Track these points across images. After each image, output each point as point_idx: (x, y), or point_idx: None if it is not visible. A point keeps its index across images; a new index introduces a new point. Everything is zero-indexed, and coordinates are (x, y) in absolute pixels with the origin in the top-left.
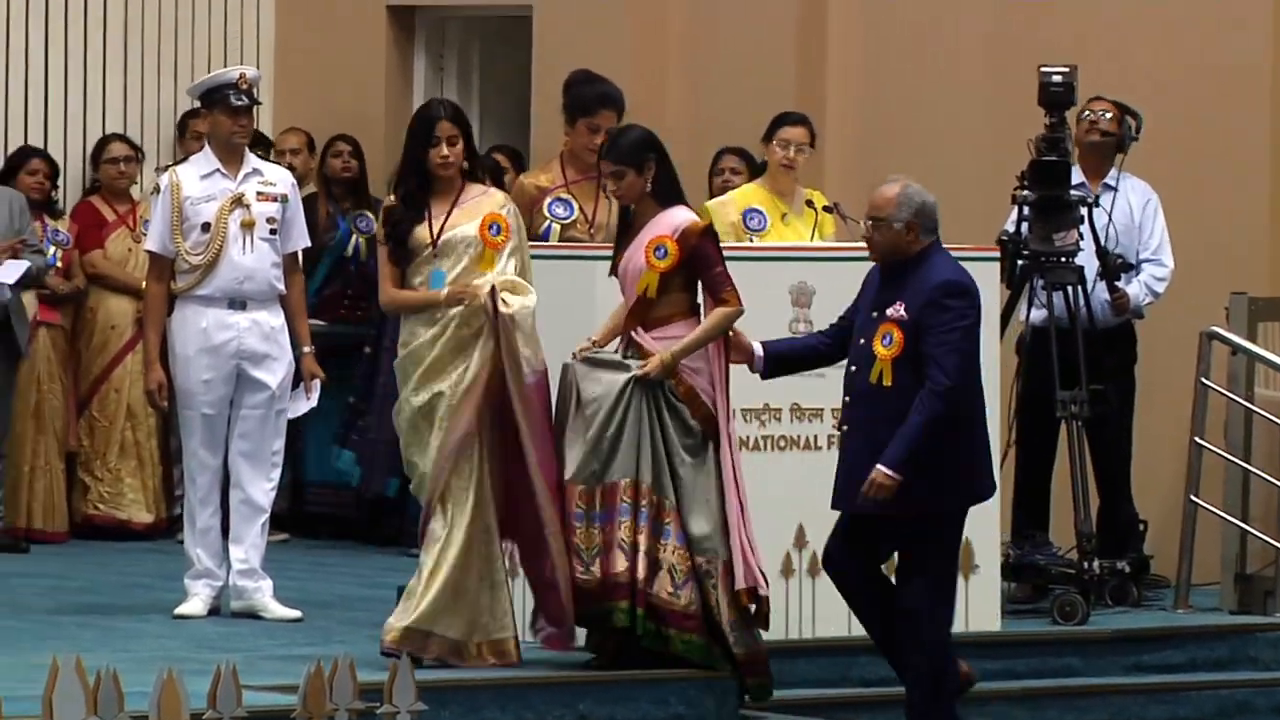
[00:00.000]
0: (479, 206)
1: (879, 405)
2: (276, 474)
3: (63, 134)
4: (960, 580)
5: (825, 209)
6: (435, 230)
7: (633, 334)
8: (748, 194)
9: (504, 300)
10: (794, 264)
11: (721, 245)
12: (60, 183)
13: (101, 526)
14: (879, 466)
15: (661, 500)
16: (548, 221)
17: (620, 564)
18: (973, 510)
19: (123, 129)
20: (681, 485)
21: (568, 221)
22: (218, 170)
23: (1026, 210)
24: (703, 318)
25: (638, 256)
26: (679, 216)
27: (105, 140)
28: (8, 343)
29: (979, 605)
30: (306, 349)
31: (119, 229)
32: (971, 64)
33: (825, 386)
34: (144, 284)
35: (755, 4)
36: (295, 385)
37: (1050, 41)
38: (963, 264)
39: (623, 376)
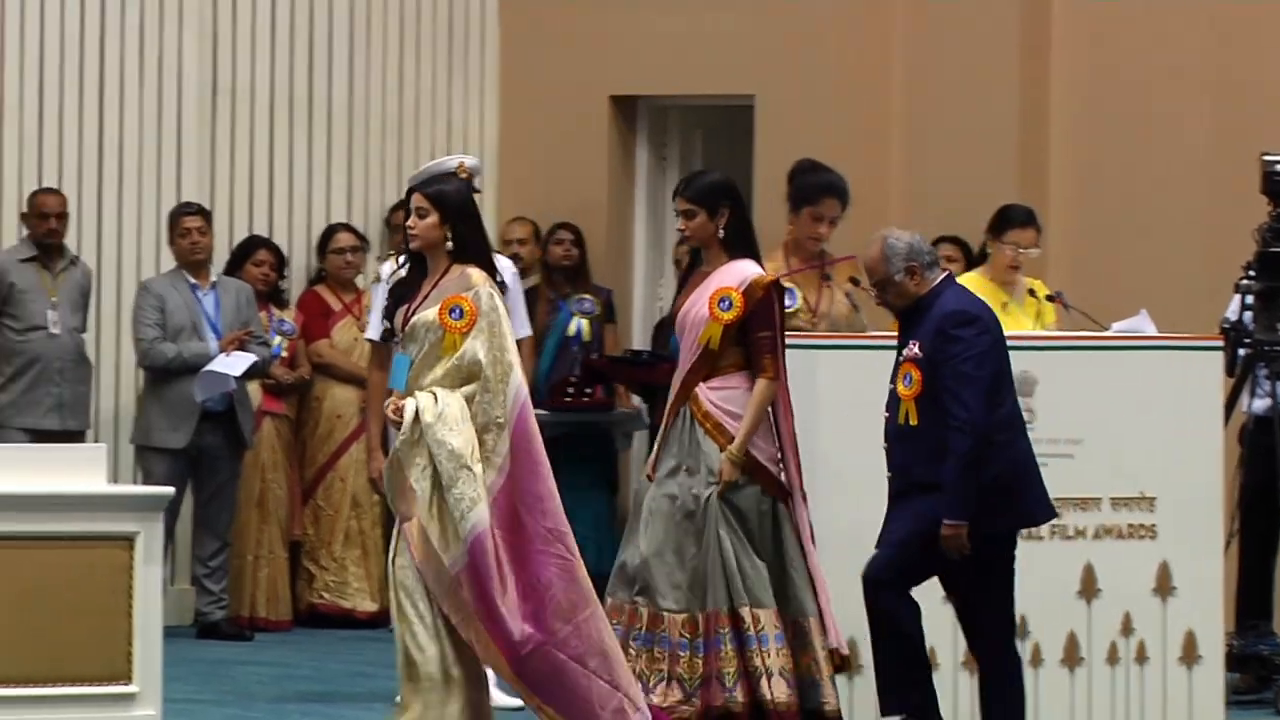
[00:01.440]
0: (450, 289)
1: (909, 446)
2: None
3: (288, 224)
4: (1184, 670)
5: (1048, 298)
6: (407, 312)
7: (696, 390)
8: (969, 283)
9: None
10: (1016, 353)
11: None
12: (286, 273)
13: (325, 615)
14: (944, 521)
15: (758, 613)
16: None
17: (720, 697)
18: (1194, 600)
19: (348, 219)
20: (770, 571)
21: (790, 310)
22: None
23: (1249, 299)
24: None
25: (700, 306)
26: (747, 269)
27: (331, 230)
28: (233, 433)
29: (1203, 696)
30: None
31: (344, 318)
32: (1192, 151)
33: (1147, 471)
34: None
35: (978, 94)
36: None
37: (1272, 129)
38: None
39: (697, 495)
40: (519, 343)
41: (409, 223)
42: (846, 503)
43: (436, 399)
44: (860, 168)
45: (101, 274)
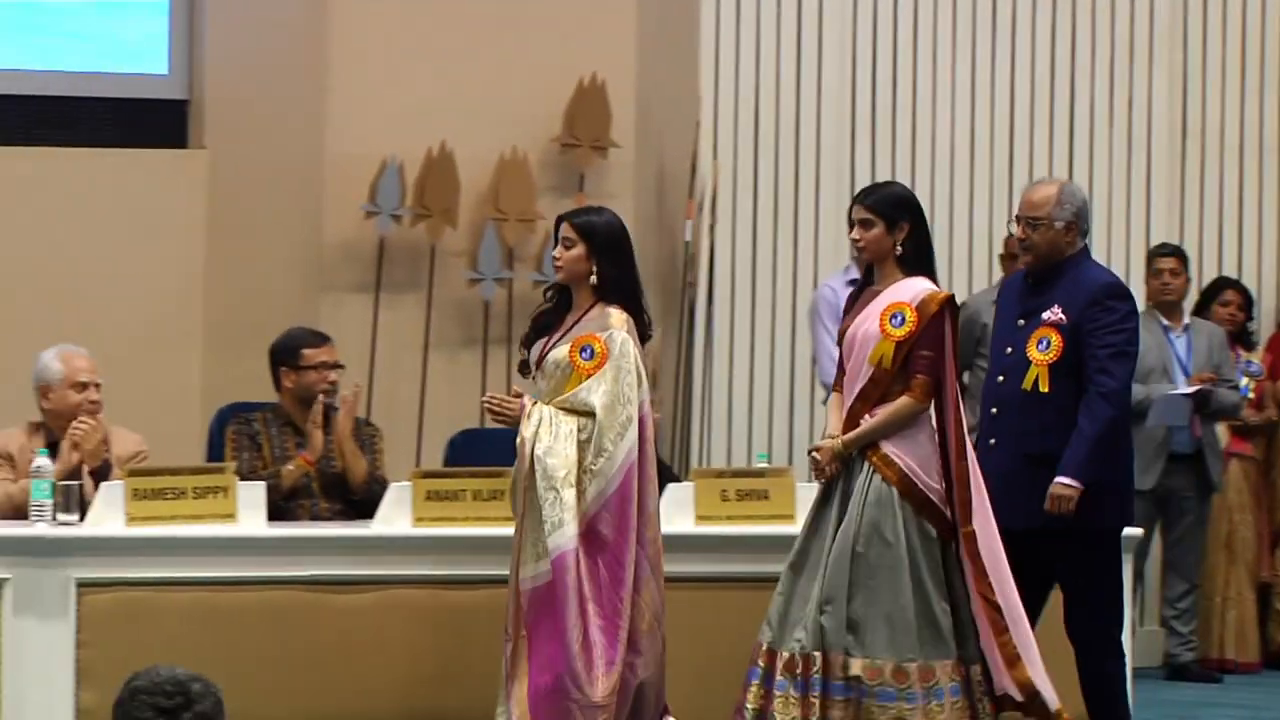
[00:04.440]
0: (587, 327)
1: (1032, 414)
2: None
3: (1257, 265)
4: None
5: None
6: (544, 348)
7: (861, 421)
8: None
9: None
10: None
11: None
12: (1255, 314)
13: None
14: (1058, 478)
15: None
16: None
17: None
18: None
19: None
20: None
21: None
22: None
23: None
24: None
25: (870, 323)
26: (920, 284)
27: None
28: (1201, 474)
29: None
30: None
31: None
32: None
33: None
34: None
35: None
36: None
37: None
38: None
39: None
40: None
41: (554, 252)
42: None
43: (550, 419)
44: None
45: None
